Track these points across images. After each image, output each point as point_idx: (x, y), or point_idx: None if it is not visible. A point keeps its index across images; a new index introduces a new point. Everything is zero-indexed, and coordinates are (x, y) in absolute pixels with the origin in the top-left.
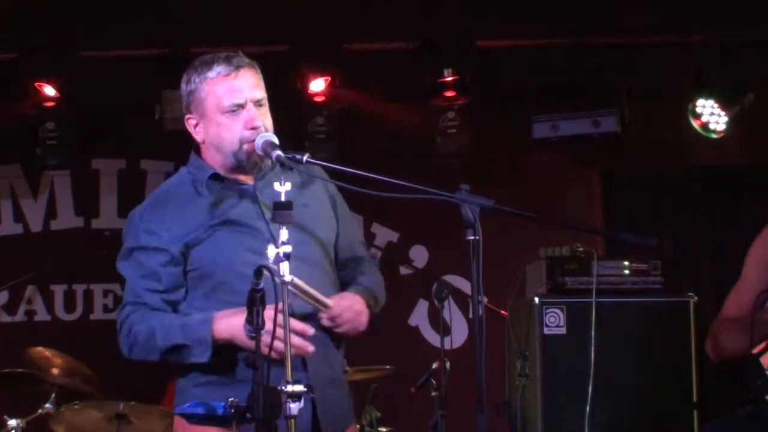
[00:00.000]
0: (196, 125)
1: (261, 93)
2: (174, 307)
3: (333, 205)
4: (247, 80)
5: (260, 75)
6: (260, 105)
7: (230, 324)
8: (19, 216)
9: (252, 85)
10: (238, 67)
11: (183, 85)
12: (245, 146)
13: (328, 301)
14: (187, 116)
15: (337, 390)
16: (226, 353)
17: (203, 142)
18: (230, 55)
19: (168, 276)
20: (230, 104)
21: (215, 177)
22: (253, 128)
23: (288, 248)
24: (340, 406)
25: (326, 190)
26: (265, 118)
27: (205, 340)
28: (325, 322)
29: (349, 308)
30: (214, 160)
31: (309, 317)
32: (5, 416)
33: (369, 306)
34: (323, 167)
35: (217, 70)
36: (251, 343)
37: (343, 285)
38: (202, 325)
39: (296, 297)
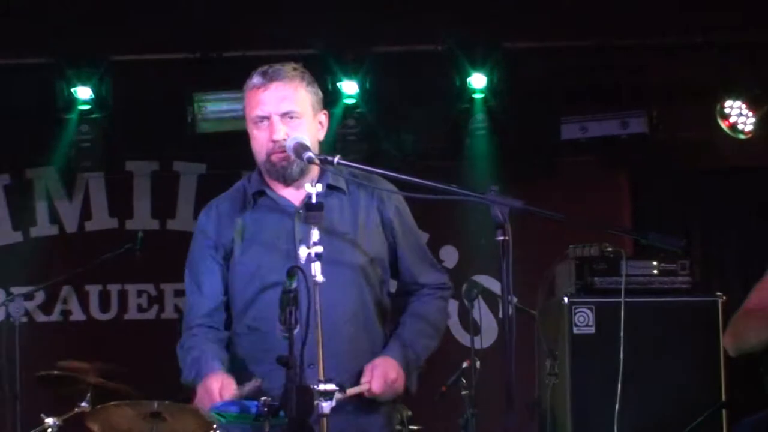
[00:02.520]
0: (250, 131)
1: (290, 106)
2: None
3: (388, 224)
4: (276, 93)
5: (299, 86)
6: (290, 118)
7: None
8: (54, 217)
9: (280, 98)
10: (271, 80)
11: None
12: (272, 157)
13: (363, 387)
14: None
15: None
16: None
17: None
18: (271, 67)
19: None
20: (256, 116)
21: (259, 194)
22: (273, 141)
23: (319, 249)
24: None
25: (381, 214)
26: (295, 131)
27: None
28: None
29: (384, 382)
30: (262, 170)
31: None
32: (42, 415)
33: (406, 364)
34: (360, 171)
35: (253, 83)
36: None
37: (397, 311)
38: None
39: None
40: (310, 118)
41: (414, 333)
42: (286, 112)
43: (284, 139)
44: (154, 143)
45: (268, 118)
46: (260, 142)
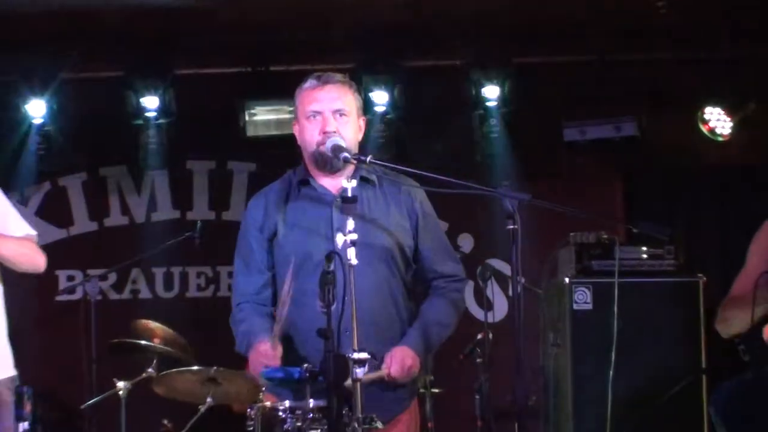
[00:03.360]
0: (296, 130)
1: (340, 105)
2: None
3: (413, 216)
4: (329, 93)
5: (348, 91)
6: (341, 114)
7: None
8: (125, 209)
9: (333, 98)
10: (325, 83)
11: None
12: (320, 147)
13: (383, 373)
14: (294, 122)
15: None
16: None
17: (301, 144)
18: (324, 73)
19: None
20: (310, 111)
21: (303, 183)
22: (325, 132)
23: (354, 236)
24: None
25: (407, 207)
26: (343, 127)
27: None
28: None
29: (401, 369)
30: (306, 160)
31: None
32: (115, 379)
33: (422, 350)
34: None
35: (308, 85)
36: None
37: (418, 295)
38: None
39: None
40: (355, 119)
41: (430, 324)
42: (337, 109)
43: (334, 132)
44: (211, 145)
45: (321, 113)
46: (312, 133)
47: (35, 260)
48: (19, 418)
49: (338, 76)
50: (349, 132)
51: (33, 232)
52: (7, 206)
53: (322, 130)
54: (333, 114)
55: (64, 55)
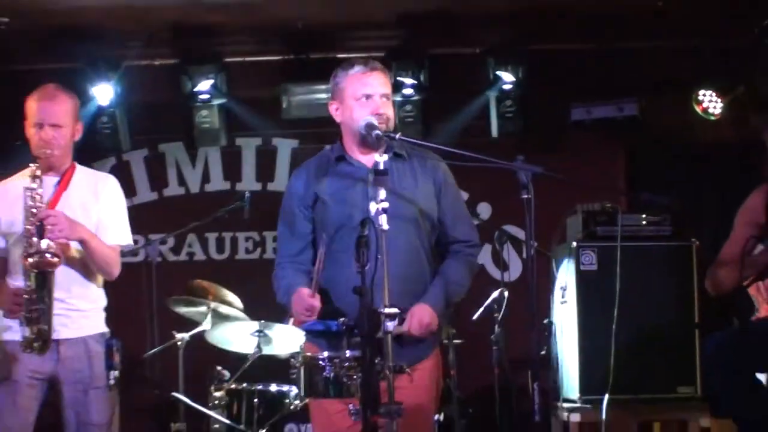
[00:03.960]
0: (336, 109)
1: (387, 89)
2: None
3: (437, 187)
4: (377, 79)
5: (388, 77)
6: (386, 99)
7: (294, 301)
8: (182, 181)
9: (381, 83)
10: (372, 69)
11: (332, 79)
12: (364, 126)
13: (404, 329)
14: (331, 102)
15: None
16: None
17: (341, 123)
18: (368, 59)
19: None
20: (361, 93)
21: (340, 158)
22: (377, 114)
23: (385, 204)
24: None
25: (432, 179)
26: (387, 109)
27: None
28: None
29: (420, 326)
30: (347, 138)
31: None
32: (173, 332)
33: (441, 307)
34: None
35: (357, 69)
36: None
37: (441, 257)
38: (288, 299)
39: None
40: (391, 101)
41: (448, 283)
42: (384, 93)
43: (384, 115)
44: (257, 124)
45: (371, 96)
46: (361, 114)
47: (111, 269)
48: (109, 367)
49: (378, 63)
50: (391, 113)
51: (123, 243)
52: (118, 211)
53: (374, 111)
54: (381, 97)
55: (127, 44)
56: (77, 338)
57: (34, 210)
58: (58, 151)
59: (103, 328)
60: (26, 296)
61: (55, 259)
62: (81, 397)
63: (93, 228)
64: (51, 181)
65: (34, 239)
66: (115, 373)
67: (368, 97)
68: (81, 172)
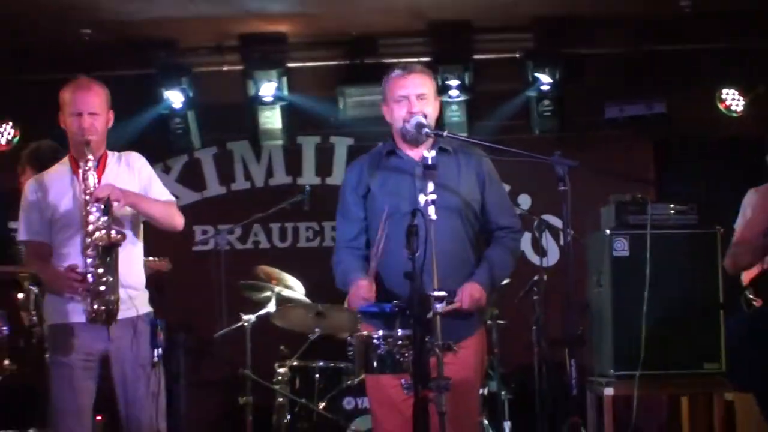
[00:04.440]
0: (385, 110)
1: (423, 89)
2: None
3: (481, 179)
4: (413, 80)
5: (426, 78)
6: (422, 98)
7: (352, 291)
8: (247, 176)
9: (417, 84)
10: (409, 72)
11: (382, 84)
12: (406, 125)
13: (456, 305)
14: (381, 104)
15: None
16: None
17: (390, 122)
18: (408, 64)
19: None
20: (399, 95)
21: (390, 153)
22: (411, 112)
23: (433, 196)
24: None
25: (476, 171)
26: (425, 107)
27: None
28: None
29: (470, 300)
30: (395, 135)
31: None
32: (241, 313)
33: (488, 285)
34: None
35: (396, 73)
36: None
37: (486, 243)
38: (345, 284)
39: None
40: (432, 100)
41: (493, 267)
42: (419, 93)
43: (418, 112)
44: (316, 124)
45: (407, 97)
46: (400, 113)
47: (175, 221)
48: (153, 345)
49: (418, 66)
50: (429, 110)
51: (173, 198)
52: (153, 175)
53: (408, 110)
54: (416, 97)
55: (198, 52)
56: (127, 318)
57: (91, 189)
58: (97, 137)
59: (149, 308)
60: (93, 270)
61: (119, 236)
62: (129, 375)
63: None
64: (91, 164)
65: (101, 217)
66: (159, 351)
67: (405, 97)
68: (111, 155)
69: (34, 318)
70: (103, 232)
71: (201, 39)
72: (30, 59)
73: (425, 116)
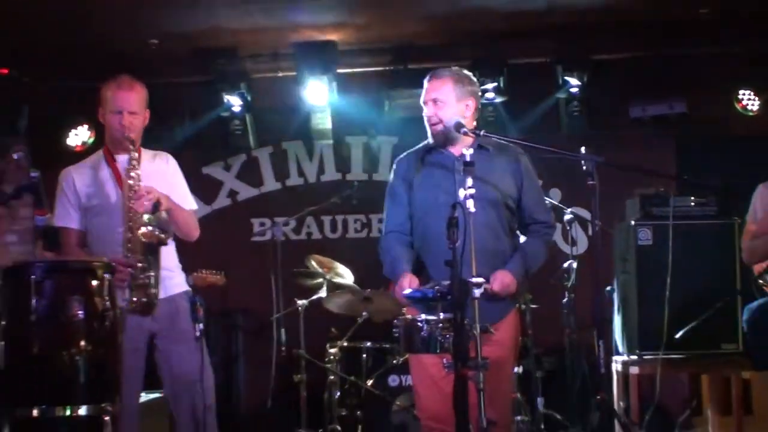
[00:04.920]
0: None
1: (436, 95)
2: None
3: (518, 176)
4: (431, 85)
5: (446, 82)
6: (437, 103)
7: (398, 285)
8: (300, 172)
9: (433, 88)
10: (429, 79)
11: None
12: (430, 128)
13: (488, 288)
14: None
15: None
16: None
17: None
18: (437, 70)
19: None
20: (424, 100)
21: (432, 149)
22: (427, 116)
23: (472, 191)
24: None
25: (513, 168)
26: (439, 111)
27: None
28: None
29: (501, 286)
30: None
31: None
32: (295, 298)
33: (520, 274)
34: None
35: (425, 80)
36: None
37: (522, 231)
38: (393, 274)
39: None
40: (453, 103)
41: (526, 254)
42: (434, 99)
43: (432, 115)
44: (364, 124)
45: (426, 101)
46: (426, 117)
47: (192, 232)
48: (194, 320)
49: (441, 72)
50: (444, 113)
51: (195, 206)
52: (179, 179)
53: (426, 114)
54: (431, 102)
55: (257, 60)
56: (167, 297)
57: (136, 189)
58: (135, 135)
59: (186, 287)
60: (138, 265)
61: (163, 235)
62: (174, 349)
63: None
64: (125, 159)
65: (148, 216)
66: (200, 326)
67: (425, 103)
68: (146, 153)
69: (107, 303)
70: (150, 229)
71: (258, 47)
72: (103, 69)
73: (440, 120)
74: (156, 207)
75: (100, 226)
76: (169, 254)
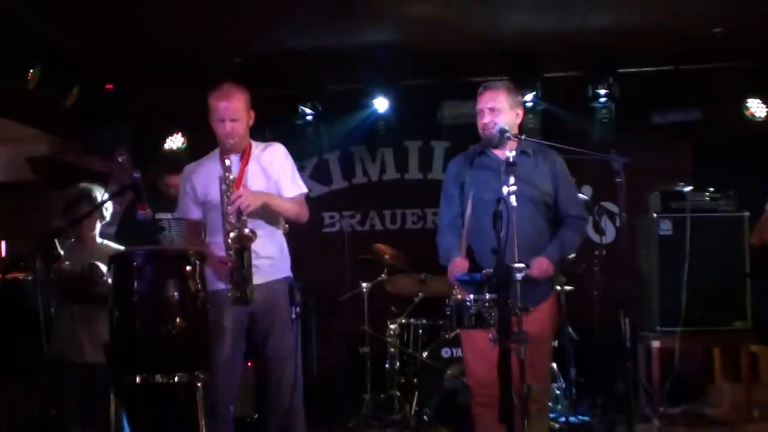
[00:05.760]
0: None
1: (493, 104)
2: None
3: (554, 176)
4: (486, 96)
5: (500, 93)
6: (493, 111)
7: (450, 267)
8: (365, 172)
9: (488, 99)
10: (484, 90)
11: None
12: (484, 132)
13: (528, 272)
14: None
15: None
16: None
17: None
18: (489, 82)
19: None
20: (477, 108)
21: (481, 153)
22: (482, 123)
23: (514, 188)
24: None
25: (550, 169)
26: (496, 117)
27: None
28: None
29: (539, 271)
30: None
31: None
32: (360, 281)
33: (556, 259)
34: (547, 147)
35: (479, 91)
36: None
37: (558, 224)
38: (446, 261)
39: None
40: (507, 110)
41: (562, 243)
42: (491, 107)
43: (489, 122)
44: (419, 131)
45: (482, 110)
46: (479, 125)
47: (300, 217)
48: (291, 304)
49: (496, 84)
50: (500, 119)
51: (304, 190)
52: (287, 167)
53: (481, 121)
54: (488, 110)
55: (326, 74)
56: (266, 283)
57: (229, 194)
58: (238, 139)
59: (286, 274)
60: (231, 265)
61: (252, 235)
62: (270, 329)
63: (274, 186)
64: (236, 158)
65: (232, 219)
66: (297, 309)
67: (481, 111)
68: (256, 146)
69: (199, 286)
70: (235, 233)
71: (328, 63)
72: (194, 83)
73: (495, 125)
74: (239, 215)
75: (214, 219)
76: (272, 242)
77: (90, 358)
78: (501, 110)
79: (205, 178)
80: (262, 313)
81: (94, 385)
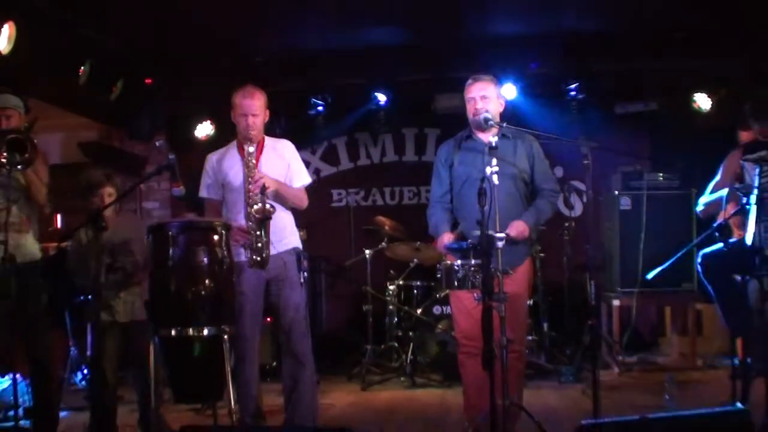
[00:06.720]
0: (467, 108)
1: (483, 92)
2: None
3: (530, 156)
4: (476, 86)
5: (489, 84)
6: (484, 99)
7: (439, 240)
8: (368, 155)
9: (479, 88)
10: (475, 81)
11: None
12: (475, 118)
13: (508, 232)
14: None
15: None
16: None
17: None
18: (477, 75)
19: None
20: (468, 97)
21: (468, 137)
22: (474, 109)
23: (496, 168)
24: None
25: (527, 151)
26: (487, 105)
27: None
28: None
29: (517, 231)
30: (472, 125)
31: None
32: (364, 248)
33: (531, 223)
34: (525, 132)
35: (468, 82)
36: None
37: (535, 196)
38: (435, 233)
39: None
40: (495, 99)
41: (537, 211)
42: (482, 96)
43: (481, 109)
44: (414, 119)
45: (474, 98)
46: (470, 110)
47: (302, 202)
48: (299, 270)
49: (483, 77)
50: (490, 107)
51: (308, 180)
52: (295, 161)
53: (473, 108)
54: (480, 98)
55: (334, 70)
56: (278, 254)
57: (251, 175)
58: (256, 132)
59: (295, 245)
60: (252, 232)
61: (271, 209)
62: (282, 290)
63: (284, 176)
64: (253, 148)
65: (259, 195)
66: (304, 274)
67: (472, 99)
68: (268, 140)
69: (225, 252)
70: (260, 205)
71: (336, 61)
72: (221, 78)
73: (487, 111)
74: (263, 189)
75: (232, 200)
76: (282, 220)
77: (121, 318)
78: (490, 98)
79: (226, 165)
80: (275, 279)
81: (129, 340)
